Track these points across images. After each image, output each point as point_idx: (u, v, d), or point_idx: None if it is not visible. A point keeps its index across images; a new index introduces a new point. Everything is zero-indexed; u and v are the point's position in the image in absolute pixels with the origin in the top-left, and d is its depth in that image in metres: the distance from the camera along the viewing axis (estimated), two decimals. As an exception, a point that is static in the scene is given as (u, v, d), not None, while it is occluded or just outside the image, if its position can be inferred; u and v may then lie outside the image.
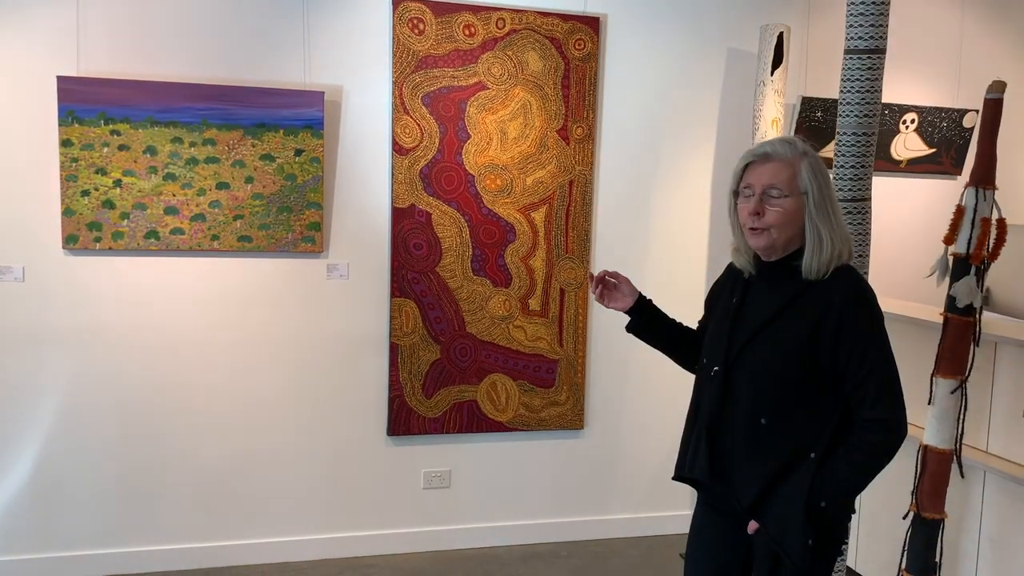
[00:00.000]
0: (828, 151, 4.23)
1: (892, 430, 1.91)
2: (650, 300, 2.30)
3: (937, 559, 2.89)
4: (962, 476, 2.92)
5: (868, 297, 1.96)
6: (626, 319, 2.31)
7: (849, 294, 1.92)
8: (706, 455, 2.03)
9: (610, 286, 2.26)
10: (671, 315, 2.34)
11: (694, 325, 2.33)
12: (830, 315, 1.90)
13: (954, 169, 4.57)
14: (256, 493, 3.78)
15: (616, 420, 4.15)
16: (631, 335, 2.32)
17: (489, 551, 4.01)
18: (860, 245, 2.89)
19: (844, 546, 2.10)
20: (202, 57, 3.55)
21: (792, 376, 1.93)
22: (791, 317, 1.96)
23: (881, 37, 2.80)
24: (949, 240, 2.82)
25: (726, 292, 2.16)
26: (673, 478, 2.18)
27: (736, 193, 2.04)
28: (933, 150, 4.50)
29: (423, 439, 3.94)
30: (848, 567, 3.58)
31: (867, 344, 1.90)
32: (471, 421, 3.95)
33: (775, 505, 1.94)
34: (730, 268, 2.20)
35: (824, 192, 1.95)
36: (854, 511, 2.07)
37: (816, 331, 1.91)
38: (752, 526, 1.99)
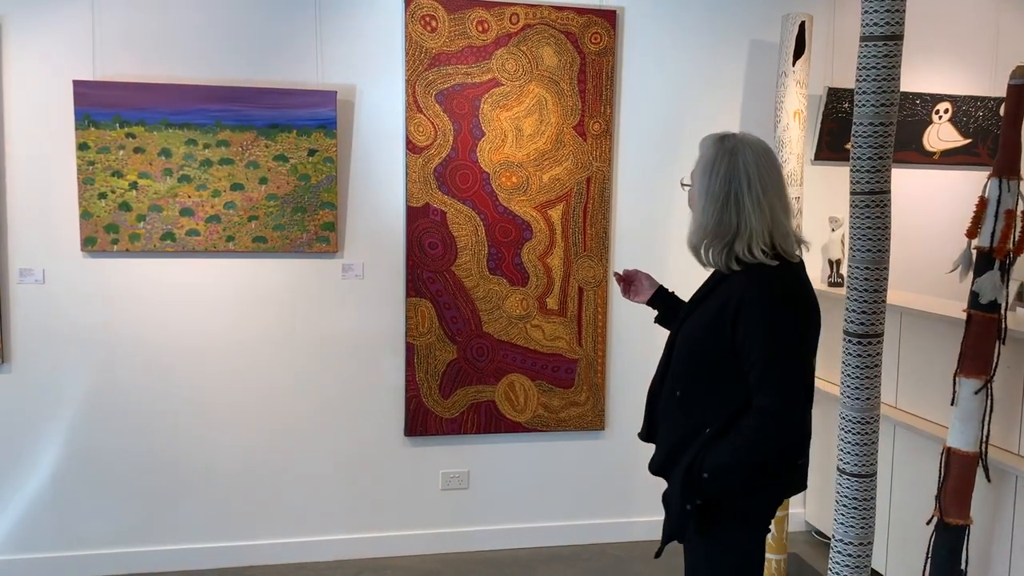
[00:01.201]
0: (856, 143, 4.10)
1: (770, 417, 1.97)
2: (673, 292, 2.50)
3: (963, 566, 2.77)
4: (988, 479, 2.79)
5: (773, 285, 2.02)
6: (650, 314, 2.54)
7: (748, 287, 2.01)
8: (645, 420, 2.28)
9: (631, 281, 2.51)
10: None
11: None
12: (731, 302, 2.02)
13: (991, 160, 4.37)
14: (273, 493, 3.79)
15: (638, 420, 3.98)
16: (656, 327, 2.52)
17: (508, 553, 3.97)
18: (879, 239, 2.77)
19: (759, 534, 2.18)
20: (215, 59, 3.57)
21: (698, 354, 2.09)
22: (707, 302, 2.12)
23: (898, 23, 2.68)
24: (972, 233, 2.70)
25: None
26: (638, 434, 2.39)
27: None
28: (968, 140, 4.34)
29: (441, 440, 3.91)
30: (877, 572, 3.46)
31: (757, 334, 1.98)
32: (489, 422, 3.91)
33: (672, 470, 2.12)
34: None
35: (703, 182, 2.07)
36: (770, 501, 2.12)
37: (720, 315, 2.03)
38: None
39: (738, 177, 2.04)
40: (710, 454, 2.03)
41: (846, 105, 4.08)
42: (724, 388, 2.05)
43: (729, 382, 2.04)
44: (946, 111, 4.25)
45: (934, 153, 4.31)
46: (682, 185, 2.23)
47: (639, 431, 2.35)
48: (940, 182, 4.40)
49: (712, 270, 2.26)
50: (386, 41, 3.69)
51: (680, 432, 2.11)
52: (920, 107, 4.21)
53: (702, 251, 2.11)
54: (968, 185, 4.41)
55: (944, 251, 4.36)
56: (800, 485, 2.23)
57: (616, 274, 2.54)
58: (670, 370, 2.18)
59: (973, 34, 4.34)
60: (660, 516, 4.08)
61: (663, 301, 2.48)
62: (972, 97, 4.26)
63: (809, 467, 2.25)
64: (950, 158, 4.34)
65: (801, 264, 2.14)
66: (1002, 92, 4.30)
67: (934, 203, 4.39)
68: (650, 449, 2.31)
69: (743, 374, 2.02)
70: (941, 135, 4.28)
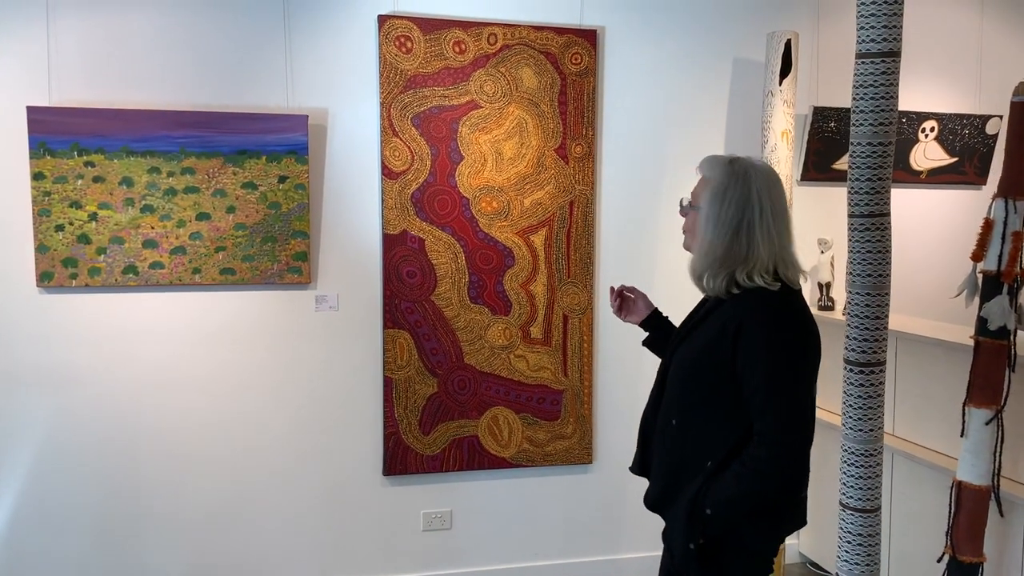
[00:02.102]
0: (844, 163, 4.02)
1: (774, 445, 1.88)
2: (666, 317, 2.41)
3: (977, 606, 2.64)
4: (1001, 515, 2.67)
5: (773, 309, 1.95)
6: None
7: (751, 308, 1.94)
8: (639, 451, 2.19)
9: (627, 300, 2.42)
10: None
11: None
12: (730, 326, 1.94)
13: (978, 178, 4.33)
14: (245, 539, 3.58)
15: (627, 453, 3.84)
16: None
17: (494, 595, 3.80)
18: (880, 264, 2.66)
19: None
20: (179, 83, 3.40)
21: (696, 380, 2.00)
22: (702, 328, 2.03)
23: (895, 39, 2.58)
24: (977, 256, 2.59)
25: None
26: (630, 468, 2.30)
27: None
28: (955, 159, 4.26)
29: (421, 478, 3.72)
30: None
31: (757, 361, 1.90)
32: (472, 458, 3.74)
33: (671, 506, 2.04)
34: None
35: (713, 207, 1.97)
36: (776, 533, 2.02)
37: (719, 340, 1.95)
38: None
39: (751, 205, 1.96)
40: (713, 488, 1.94)
41: (832, 124, 3.99)
42: (724, 416, 1.97)
43: (729, 410, 1.95)
44: (932, 130, 4.18)
45: (921, 172, 4.24)
46: (681, 206, 2.11)
47: (631, 464, 2.26)
48: (927, 202, 4.32)
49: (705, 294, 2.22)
50: (359, 63, 3.54)
51: (678, 464, 2.03)
52: (906, 126, 4.13)
53: (708, 278, 2.01)
54: (955, 204, 4.35)
55: (934, 272, 4.31)
56: (800, 520, 2.13)
57: (612, 288, 2.43)
58: (664, 399, 2.10)
59: (957, 52, 4.29)
60: (652, 553, 3.96)
61: (656, 324, 2.40)
62: (957, 115, 4.20)
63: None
64: (937, 177, 4.27)
65: (800, 292, 2.06)
66: (987, 110, 4.26)
67: (922, 223, 4.32)
68: (642, 483, 2.21)
69: (743, 401, 1.93)
70: (928, 154, 4.21)
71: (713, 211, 1.98)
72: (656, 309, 2.42)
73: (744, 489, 1.91)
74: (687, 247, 2.11)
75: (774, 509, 1.99)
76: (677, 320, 2.42)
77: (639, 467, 2.21)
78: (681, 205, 2.11)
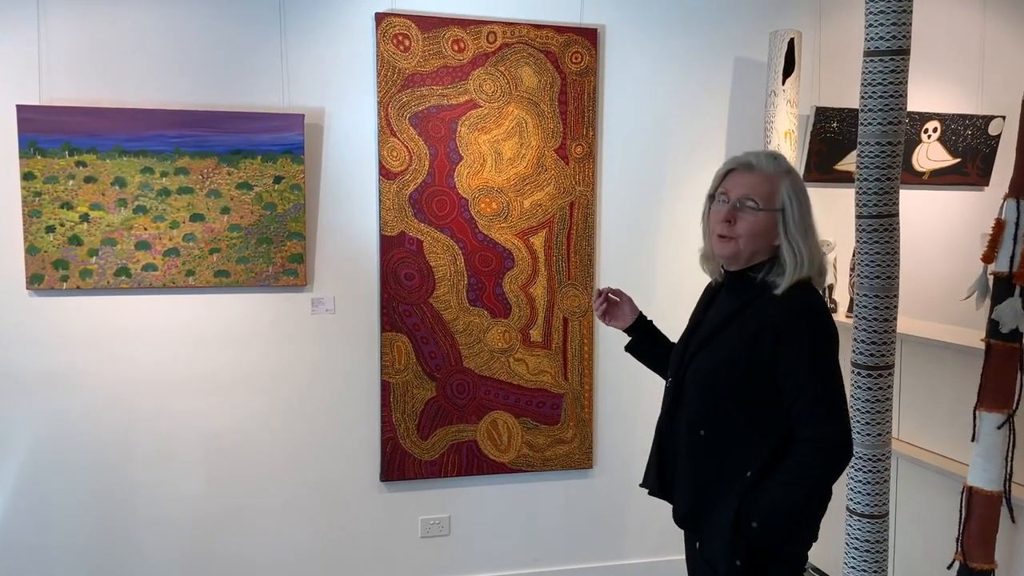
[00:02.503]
0: (846, 164, 3.97)
1: (826, 451, 1.84)
2: (651, 321, 2.29)
3: (988, 614, 2.59)
4: (1013, 521, 2.62)
5: (811, 312, 1.89)
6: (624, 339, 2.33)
7: (791, 308, 1.88)
8: (656, 467, 2.06)
9: (613, 303, 2.26)
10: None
11: None
12: (768, 329, 1.86)
13: (981, 180, 4.29)
14: (240, 546, 3.51)
15: (628, 458, 3.86)
16: (630, 357, 2.35)
17: (494, 603, 3.73)
18: (888, 265, 2.61)
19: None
20: (172, 81, 3.33)
21: (729, 387, 1.90)
22: (735, 328, 1.93)
23: (905, 36, 2.54)
24: (988, 258, 2.54)
25: (700, 304, 2.16)
26: (642, 485, 2.19)
27: (712, 198, 2.02)
28: (958, 160, 4.23)
29: (419, 484, 3.66)
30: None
31: (803, 360, 1.85)
32: (471, 463, 3.68)
33: (709, 520, 1.92)
34: (707, 286, 2.19)
35: (803, 212, 1.92)
36: (812, 539, 1.98)
37: (755, 344, 1.87)
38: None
39: (808, 205, 1.95)
40: (758, 500, 1.84)
41: (834, 125, 3.95)
42: (760, 423, 1.89)
43: (765, 416, 1.88)
44: (935, 130, 4.14)
45: (924, 173, 4.20)
46: (740, 206, 1.93)
47: (644, 483, 2.14)
48: (930, 203, 4.28)
49: (702, 295, 2.17)
50: (356, 61, 3.48)
51: (710, 477, 1.93)
52: (908, 126, 4.09)
53: (773, 281, 1.92)
54: (958, 206, 4.31)
55: (936, 274, 4.26)
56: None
57: (599, 291, 2.26)
58: (686, 409, 2.00)
59: (959, 52, 4.25)
60: (653, 559, 3.91)
61: (642, 330, 2.28)
62: (960, 116, 4.16)
63: None
64: (939, 178, 4.23)
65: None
66: (989, 111, 4.22)
67: (924, 224, 4.28)
68: (641, 490, 2.14)
69: (778, 406, 1.87)
70: (931, 155, 4.17)
71: (802, 213, 1.91)
72: (641, 314, 2.29)
73: (794, 499, 1.83)
74: (729, 253, 1.96)
75: (819, 513, 1.94)
76: (671, 327, 2.36)
77: (657, 486, 2.08)
78: (741, 205, 1.93)
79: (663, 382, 2.23)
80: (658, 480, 2.07)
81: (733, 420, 1.91)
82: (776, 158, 1.97)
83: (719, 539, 1.89)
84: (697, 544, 2.01)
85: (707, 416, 1.94)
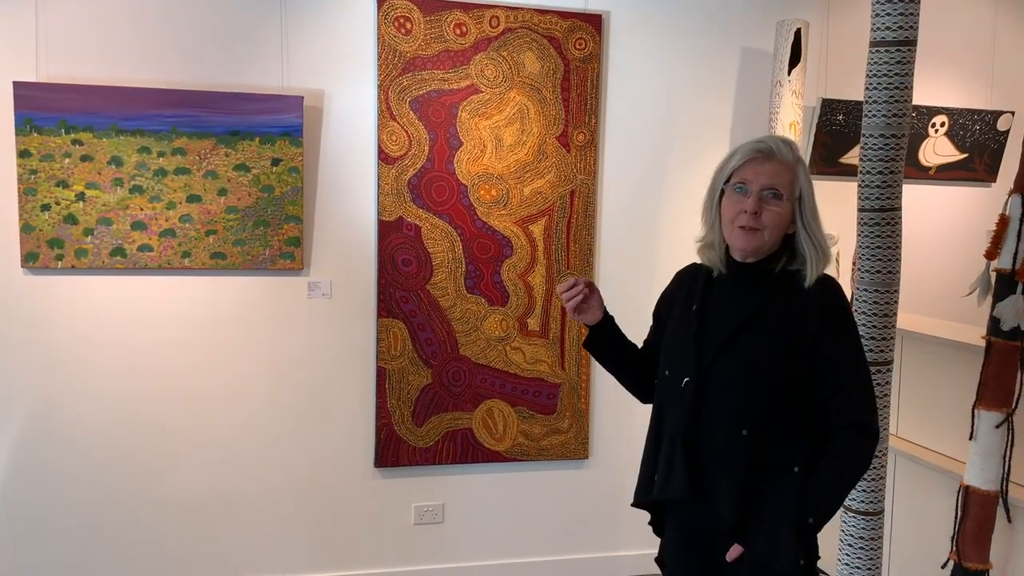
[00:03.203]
0: (852, 157, 3.92)
1: (872, 436, 1.87)
2: (612, 317, 2.13)
3: (981, 614, 2.57)
4: (1009, 520, 2.59)
5: (845, 304, 1.91)
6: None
7: (829, 301, 1.87)
8: (684, 471, 1.89)
9: (584, 296, 2.05)
10: None
11: None
12: (809, 323, 1.84)
13: (988, 176, 4.24)
14: (233, 530, 3.50)
15: (623, 449, 3.83)
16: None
17: (486, 591, 3.72)
18: (889, 260, 2.58)
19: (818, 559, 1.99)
20: (171, 60, 3.30)
21: (772, 385, 1.85)
22: (767, 323, 1.87)
23: (912, 27, 2.49)
24: (991, 254, 2.50)
25: (680, 299, 2.05)
26: (633, 504, 2.07)
27: (723, 187, 1.94)
28: (965, 155, 4.17)
29: (414, 471, 3.64)
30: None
31: (847, 350, 1.87)
32: (466, 451, 3.66)
33: (761, 524, 1.84)
34: (679, 276, 2.13)
35: (813, 199, 1.91)
36: None
37: (795, 338, 1.84)
38: (733, 552, 1.86)
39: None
40: (809, 495, 1.82)
41: (840, 117, 3.90)
42: (802, 415, 1.87)
43: (805, 408, 1.87)
44: (942, 124, 4.09)
45: (930, 168, 4.15)
46: (770, 198, 1.87)
47: (653, 492, 1.97)
48: (936, 198, 4.23)
49: (681, 286, 2.09)
50: (357, 43, 3.44)
51: (754, 477, 1.85)
52: (916, 120, 4.04)
53: (799, 272, 1.90)
54: (965, 202, 4.26)
55: (941, 271, 4.22)
56: None
57: (575, 280, 2.02)
58: (718, 409, 1.87)
59: (969, 45, 4.19)
60: (647, 550, 3.88)
61: (604, 327, 2.11)
62: (969, 110, 4.10)
63: None
64: (946, 173, 4.17)
65: None
66: (999, 105, 4.17)
67: (930, 220, 4.23)
68: (633, 478, 2.06)
69: (813, 398, 1.86)
70: (937, 149, 4.12)
71: (809, 198, 1.89)
72: (606, 311, 2.12)
73: (845, 486, 1.85)
74: (755, 246, 1.88)
75: None
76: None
77: (688, 491, 1.89)
78: (764, 195, 1.86)
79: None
80: (689, 486, 1.89)
81: (775, 416, 1.85)
82: (790, 144, 1.92)
83: (779, 540, 1.81)
84: (736, 549, 1.88)
85: (749, 415, 1.85)
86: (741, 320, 1.89)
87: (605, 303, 2.13)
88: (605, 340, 2.12)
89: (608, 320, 2.11)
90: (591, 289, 2.06)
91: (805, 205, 1.88)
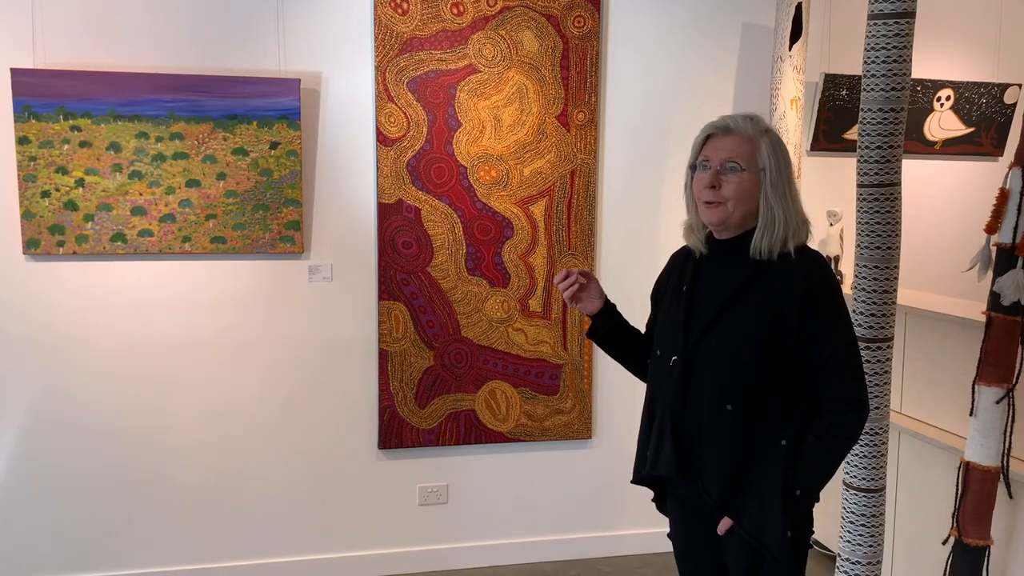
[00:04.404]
0: (855, 132, 3.88)
1: (860, 408, 1.87)
2: (614, 305, 2.18)
3: (982, 590, 2.56)
4: (1010, 496, 2.58)
5: (830, 277, 1.91)
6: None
7: (812, 275, 1.88)
8: (672, 449, 1.95)
9: (581, 286, 2.11)
10: None
11: None
12: (792, 296, 1.85)
13: (995, 150, 4.19)
14: (238, 513, 3.53)
15: (626, 428, 3.83)
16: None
17: (491, 571, 3.73)
18: (889, 236, 2.55)
19: (812, 534, 2.01)
20: (167, 45, 3.29)
21: (756, 360, 1.87)
22: (751, 299, 1.90)
23: (910, -1, 2.45)
24: (991, 229, 2.48)
25: (673, 281, 2.09)
26: (633, 481, 2.12)
27: (694, 167, 1.98)
28: (971, 129, 4.13)
29: (417, 452, 3.66)
30: (882, 590, 3.25)
31: (832, 323, 1.87)
32: (469, 432, 3.67)
33: (748, 497, 1.88)
34: (673, 258, 2.17)
35: (782, 171, 1.91)
36: (818, 499, 1.98)
37: (779, 313, 1.86)
38: (724, 525, 1.92)
39: (790, 162, 1.93)
40: (797, 468, 1.85)
41: (844, 92, 3.86)
42: (789, 390, 1.88)
43: (792, 382, 1.88)
44: (948, 98, 4.04)
45: (935, 142, 4.10)
46: (724, 169, 1.90)
47: (653, 468, 2.00)
48: (941, 173, 4.19)
49: (674, 268, 2.12)
50: (353, 25, 3.43)
51: (744, 452, 1.88)
52: (920, 94, 3.99)
53: (764, 245, 1.89)
54: (971, 176, 4.22)
55: (947, 246, 4.18)
56: None
57: (566, 272, 2.07)
58: (703, 385, 1.91)
59: (975, 17, 4.13)
60: (651, 529, 3.90)
61: (607, 316, 2.14)
62: (975, 83, 4.05)
63: None
64: (952, 148, 4.13)
65: None
66: (1005, 78, 4.12)
67: (935, 195, 4.19)
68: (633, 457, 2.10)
69: (800, 372, 1.87)
70: (943, 124, 4.07)
71: (781, 169, 1.90)
72: (607, 299, 2.16)
73: (834, 459, 1.86)
74: (720, 219, 1.92)
75: None
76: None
77: (678, 467, 1.94)
78: (724, 168, 1.89)
79: None
80: (676, 463, 1.95)
81: (760, 391, 1.88)
82: (752, 119, 1.94)
83: (766, 513, 1.86)
84: (726, 522, 1.93)
85: (734, 391, 1.88)
86: (727, 298, 1.92)
87: (608, 283, 2.16)
88: (608, 330, 2.15)
89: (609, 308, 2.14)
90: (587, 279, 2.10)
91: (770, 175, 1.88)
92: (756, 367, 1.87)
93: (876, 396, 2.58)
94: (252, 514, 3.54)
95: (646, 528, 3.88)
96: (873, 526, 2.68)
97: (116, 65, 3.24)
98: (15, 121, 3.14)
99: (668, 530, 2.20)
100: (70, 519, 3.39)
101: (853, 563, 2.71)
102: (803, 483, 1.85)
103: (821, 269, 1.90)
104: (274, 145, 3.34)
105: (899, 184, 2.55)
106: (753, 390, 1.88)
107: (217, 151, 3.30)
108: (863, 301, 2.56)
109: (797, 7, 3.50)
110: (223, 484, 3.51)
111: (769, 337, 1.86)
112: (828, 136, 3.92)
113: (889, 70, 2.50)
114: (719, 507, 1.91)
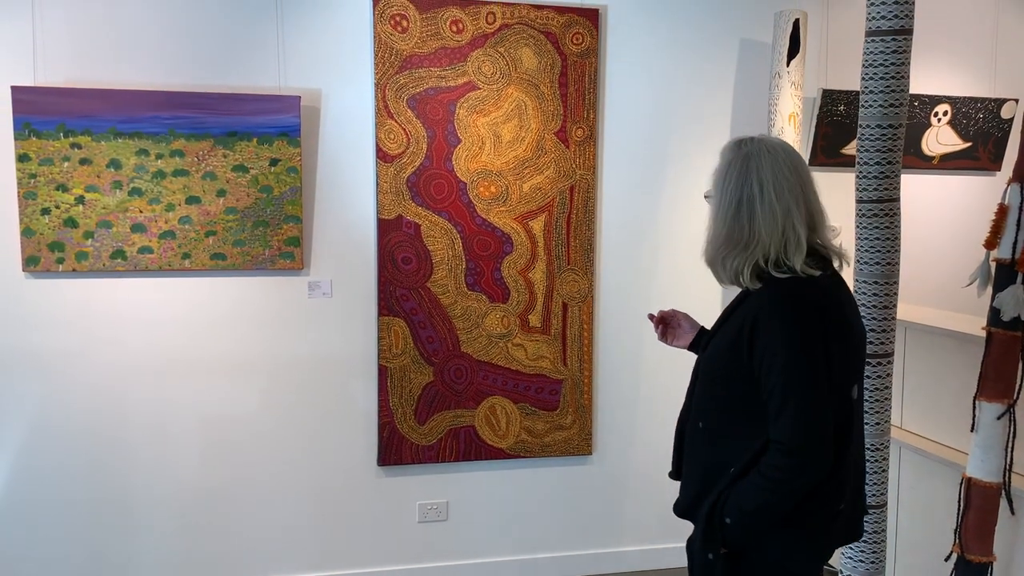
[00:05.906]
0: (853, 148, 3.89)
1: (790, 453, 1.73)
2: (706, 329, 2.18)
3: (986, 607, 2.55)
4: (1012, 512, 2.57)
5: (783, 309, 1.78)
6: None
7: (764, 305, 1.80)
8: (675, 456, 2.07)
9: (672, 324, 2.23)
10: None
11: None
12: (747, 324, 1.81)
13: (992, 164, 4.21)
14: (237, 530, 3.51)
15: (627, 444, 3.83)
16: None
17: (491, 588, 3.72)
18: (888, 251, 2.56)
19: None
20: (167, 62, 3.30)
21: (718, 381, 1.89)
22: (731, 322, 1.90)
23: (907, 16, 2.47)
24: (991, 244, 2.48)
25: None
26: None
27: None
28: (968, 144, 4.14)
29: (417, 469, 3.64)
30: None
31: (774, 358, 1.75)
32: (469, 448, 3.66)
33: (697, 513, 1.91)
34: None
35: (718, 191, 1.88)
36: (818, 555, 1.87)
37: (738, 337, 1.83)
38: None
39: (750, 182, 1.82)
40: (732, 497, 1.80)
41: (841, 108, 3.87)
42: (747, 419, 1.82)
43: (752, 413, 1.81)
44: (945, 113, 4.06)
45: (933, 157, 4.11)
46: (705, 197, 1.97)
47: (670, 470, 2.13)
48: (939, 188, 4.20)
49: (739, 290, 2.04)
50: (353, 42, 3.44)
51: (706, 470, 1.90)
52: (918, 109, 4.01)
53: (718, 266, 1.90)
54: (969, 191, 4.23)
55: (945, 261, 4.19)
56: (852, 534, 1.97)
57: (651, 316, 2.25)
58: (693, 401, 2.00)
59: (972, 33, 4.16)
60: (652, 545, 3.88)
61: (700, 343, 2.17)
62: (972, 99, 4.07)
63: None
64: (950, 162, 4.14)
65: (831, 277, 1.87)
66: (1002, 93, 4.13)
67: (933, 210, 4.20)
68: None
69: (761, 402, 1.79)
70: (940, 139, 4.09)
71: (716, 193, 1.89)
72: (703, 328, 2.19)
73: (762, 500, 1.76)
74: (705, 259, 1.98)
75: (802, 521, 1.81)
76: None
77: (675, 472, 2.08)
78: (705, 197, 1.97)
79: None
80: (676, 469, 2.07)
81: (727, 414, 1.87)
82: (732, 144, 1.91)
83: (697, 531, 1.89)
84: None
85: (704, 409, 1.93)
86: (722, 319, 1.97)
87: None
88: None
89: (700, 336, 2.19)
90: (664, 323, 2.23)
91: (715, 199, 1.89)
92: (718, 390, 1.89)
93: (876, 412, 2.58)
94: (251, 531, 3.53)
95: (647, 545, 3.86)
96: (876, 543, 2.67)
97: (116, 83, 3.25)
98: (15, 138, 3.15)
99: (676, 545, 2.21)
100: (68, 534, 3.37)
101: (855, 580, 2.70)
102: (731, 511, 1.80)
103: (777, 299, 1.80)
104: (274, 162, 3.35)
105: (898, 200, 2.56)
106: (716, 413, 1.90)
107: (217, 168, 3.31)
108: (864, 317, 2.56)
109: (795, 23, 3.52)
110: (221, 501, 3.49)
111: (727, 363, 1.85)
112: (826, 151, 3.93)
113: (887, 86, 2.52)
114: (679, 515, 1.99)
